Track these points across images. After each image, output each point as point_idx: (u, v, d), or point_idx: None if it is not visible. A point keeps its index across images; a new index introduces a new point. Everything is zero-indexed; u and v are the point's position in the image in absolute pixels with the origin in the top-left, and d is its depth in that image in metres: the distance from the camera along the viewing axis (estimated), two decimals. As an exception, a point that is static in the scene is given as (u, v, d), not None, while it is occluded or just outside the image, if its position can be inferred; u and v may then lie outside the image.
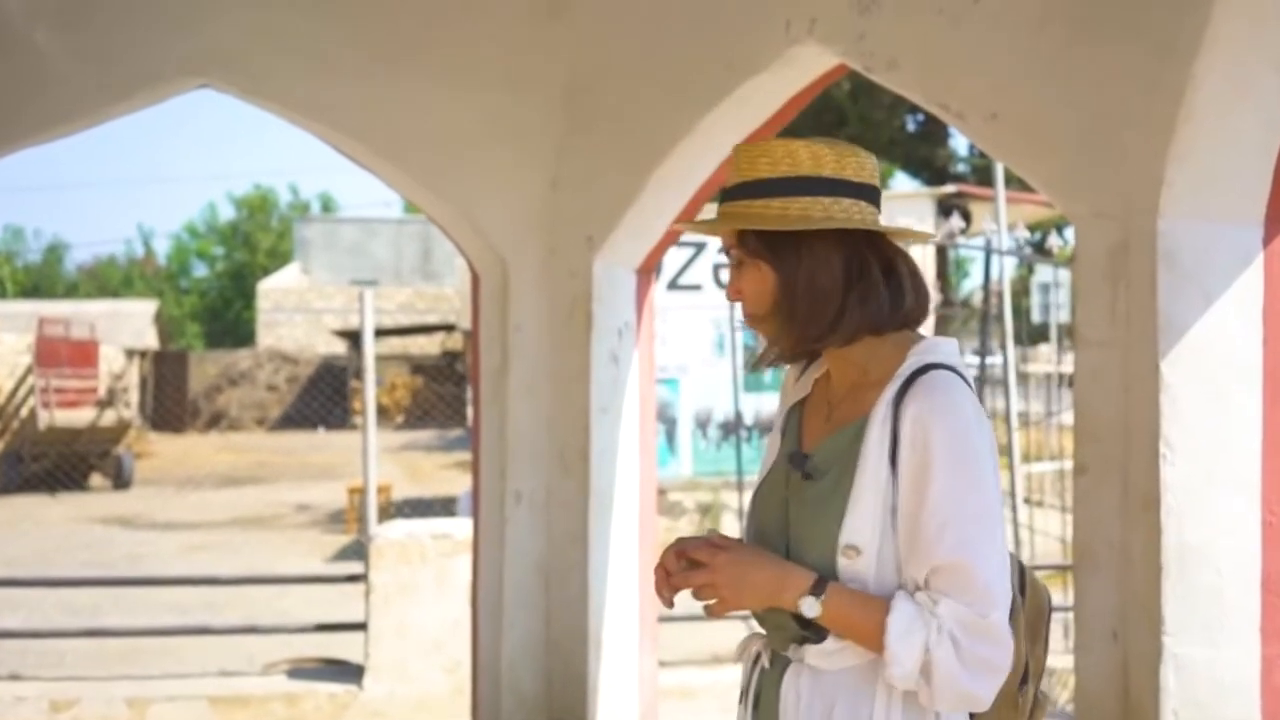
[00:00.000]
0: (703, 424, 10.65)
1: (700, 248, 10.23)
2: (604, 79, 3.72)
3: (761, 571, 1.64)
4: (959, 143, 23.83)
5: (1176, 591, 2.39)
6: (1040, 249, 13.54)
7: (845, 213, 1.65)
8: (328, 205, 57.08)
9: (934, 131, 23.22)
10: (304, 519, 13.82)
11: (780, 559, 1.67)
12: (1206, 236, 2.39)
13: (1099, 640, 2.56)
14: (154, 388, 27.10)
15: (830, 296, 1.65)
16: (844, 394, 1.74)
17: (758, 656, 1.78)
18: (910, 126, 23.53)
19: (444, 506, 11.68)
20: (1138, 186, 2.41)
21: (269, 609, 7.73)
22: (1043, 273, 13.01)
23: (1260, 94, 2.30)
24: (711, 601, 1.66)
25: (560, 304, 3.82)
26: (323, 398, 26.90)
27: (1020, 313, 11.20)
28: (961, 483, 1.57)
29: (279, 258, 47.90)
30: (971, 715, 1.66)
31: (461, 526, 5.46)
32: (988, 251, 9.11)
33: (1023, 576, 1.73)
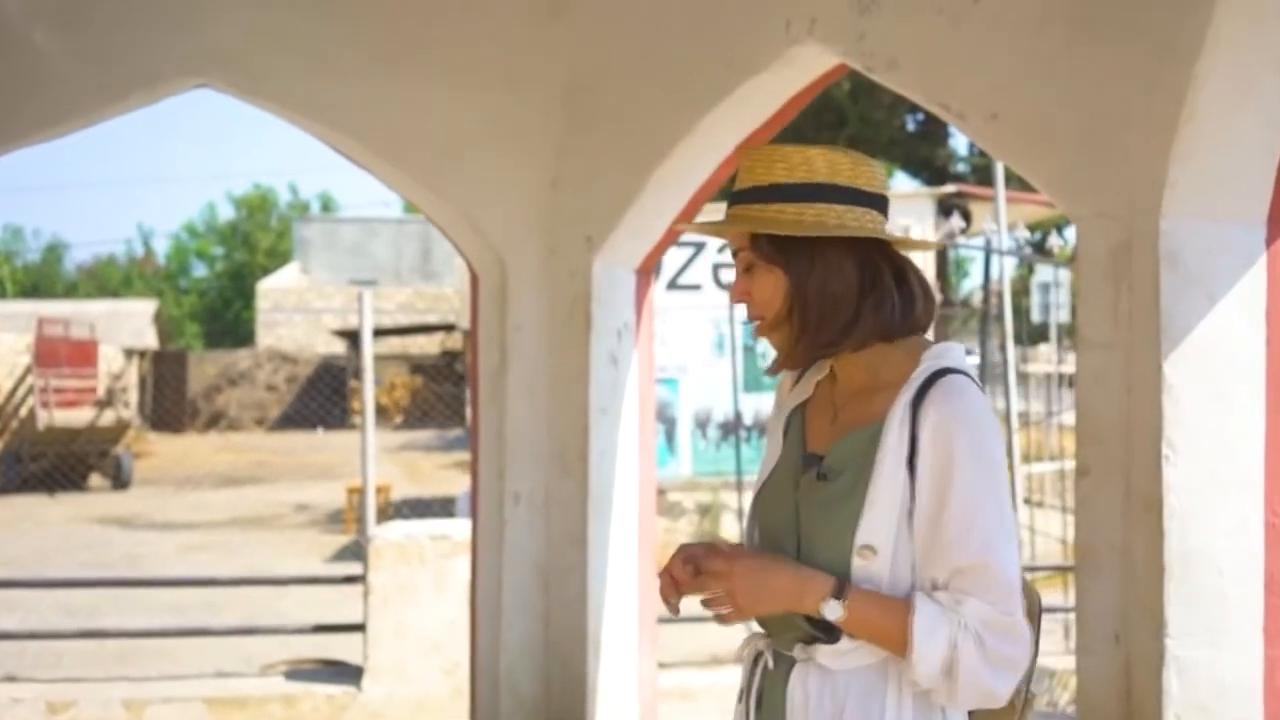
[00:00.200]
0: (702, 424, 10.65)
1: (700, 248, 10.22)
2: (604, 79, 3.71)
3: (780, 577, 1.64)
4: (959, 142, 23.84)
5: (1179, 593, 2.38)
6: (1040, 249, 13.54)
7: (858, 221, 1.68)
8: (327, 205, 57.10)
9: (934, 131, 23.22)
10: (303, 519, 13.82)
11: (797, 564, 1.67)
12: (1209, 237, 2.38)
13: (1101, 642, 2.55)
14: (153, 388, 27.10)
15: (843, 303, 1.68)
16: (850, 396, 1.75)
17: (758, 657, 1.78)
18: (910, 126, 23.53)
19: (443, 507, 11.69)
20: (1140, 187, 2.40)
21: (267, 609, 7.72)
22: (1043, 273, 12.99)
23: (1263, 94, 2.29)
24: (726, 610, 1.66)
25: (559, 304, 3.81)
26: (322, 398, 26.90)
27: (1020, 313, 11.18)
28: (982, 486, 1.60)
29: (278, 257, 47.90)
30: (970, 713, 1.68)
31: (460, 527, 5.45)
32: (988, 251, 9.11)
33: None
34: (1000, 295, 8.98)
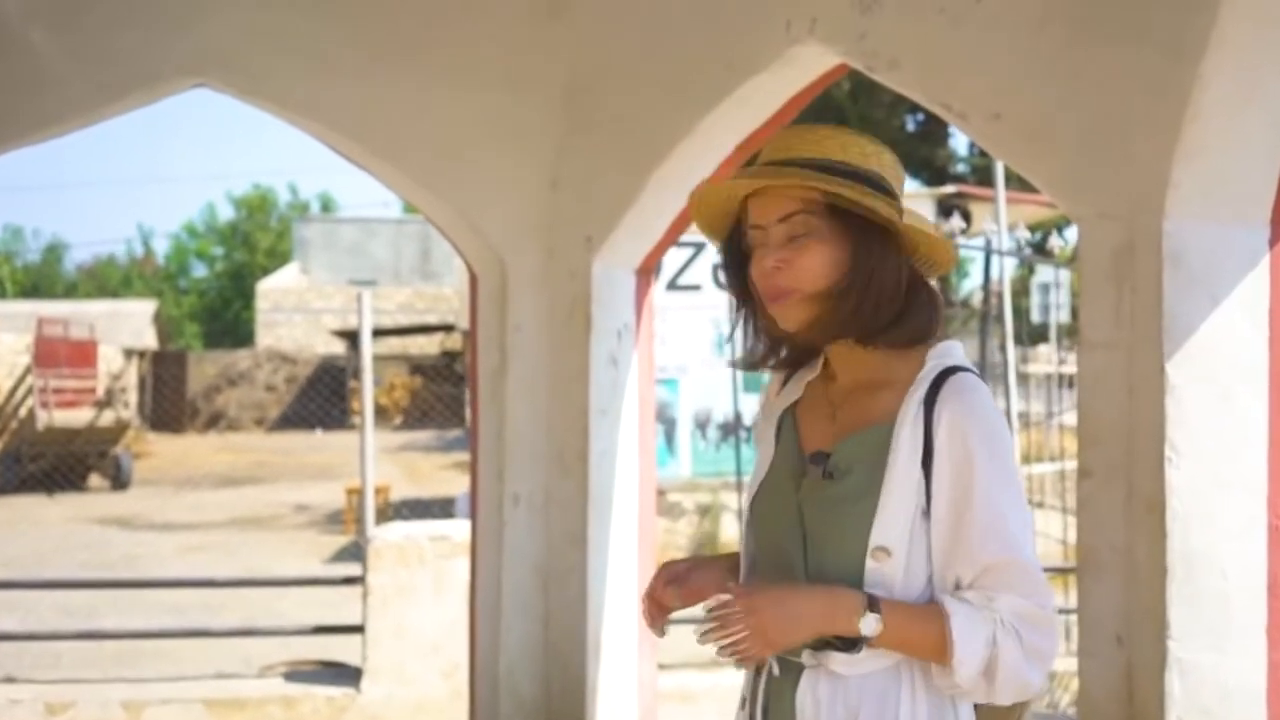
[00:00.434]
0: (702, 424, 10.63)
1: (700, 248, 10.21)
2: (604, 79, 3.70)
3: (807, 601, 1.60)
4: (959, 143, 23.84)
5: (1182, 596, 2.37)
6: (1041, 249, 13.53)
7: (918, 223, 1.69)
8: (327, 205, 57.11)
9: (934, 131, 23.21)
10: (302, 519, 13.81)
11: (818, 584, 1.63)
12: (1213, 238, 2.37)
13: (1103, 645, 2.53)
14: (153, 388, 27.09)
15: (895, 297, 1.66)
16: (849, 394, 1.73)
17: (762, 663, 1.74)
18: (910, 126, 23.52)
19: (442, 508, 11.68)
20: (1143, 187, 2.39)
21: (266, 610, 7.71)
22: (1043, 273, 12.99)
23: (1268, 95, 2.28)
24: (752, 647, 1.59)
25: (559, 305, 3.79)
26: (321, 398, 26.91)
27: (1020, 313, 11.18)
28: (1002, 481, 1.60)
29: (278, 258, 47.91)
30: (976, 708, 1.68)
31: (460, 528, 5.44)
32: (988, 252, 9.10)
33: None
34: (1000, 296, 8.97)
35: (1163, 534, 2.36)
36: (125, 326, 27.94)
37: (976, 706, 1.67)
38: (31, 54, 3.48)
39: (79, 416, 17.66)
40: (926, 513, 1.61)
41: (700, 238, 10.06)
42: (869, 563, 1.60)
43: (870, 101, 21.23)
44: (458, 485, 13.18)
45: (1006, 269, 9.21)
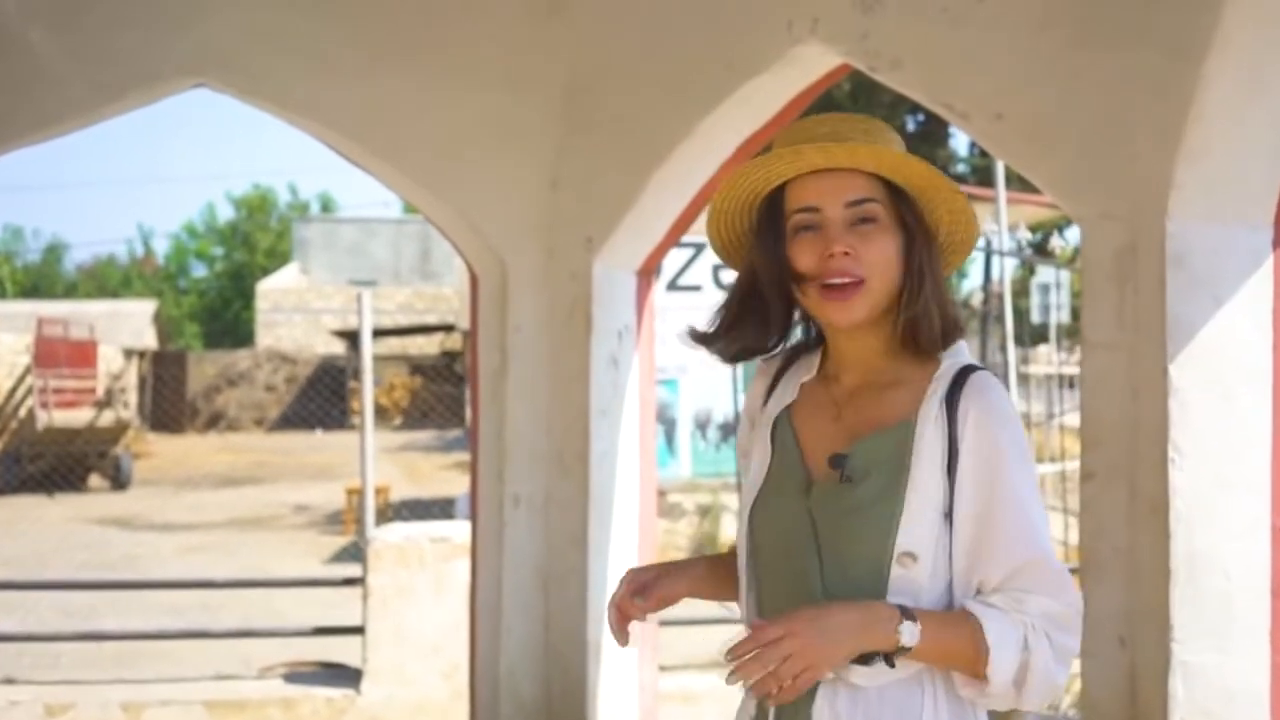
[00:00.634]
0: (702, 425, 10.62)
1: (700, 248, 10.20)
2: (604, 79, 3.69)
3: (844, 617, 1.50)
4: (959, 143, 23.81)
5: (1185, 597, 2.37)
6: (1041, 250, 13.52)
7: None
8: (327, 205, 57.09)
9: (934, 131, 23.19)
10: (302, 520, 13.80)
11: (850, 600, 1.54)
12: (1216, 238, 2.36)
13: (1106, 646, 2.53)
14: (153, 388, 27.07)
15: (943, 297, 1.61)
16: (856, 394, 1.65)
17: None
18: (910, 127, 23.50)
19: (442, 508, 11.67)
20: (1147, 188, 2.39)
21: (266, 610, 7.69)
22: (1043, 273, 12.99)
23: (1271, 95, 2.28)
24: (800, 668, 1.47)
25: (560, 306, 3.79)
26: (321, 398, 26.89)
27: (1019, 313, 11.18)
28: (1027, 482, 1.57)
29: (278, 258, 47.89)
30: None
31: (460, 529, 5.43)
32: (988, 252, 9.09)
33: None
34: (1000, 296, 8.97)
35: (1166, 535, 2.36)
36: (125, 326, 27.92)
37: None
38: (31, 54, 3.47)
39: (79, 417, 17.64)
40: (948, 515, 1.55)
41: (700, 238, 9.99)
42: (894, 569, 1.54)
43: (870, 101, 21.20)
44: (458, 485, 13.17)
45: (1007, 269, 9.20)
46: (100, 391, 19.65)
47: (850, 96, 21.04)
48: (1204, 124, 2.26)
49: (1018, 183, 9.74)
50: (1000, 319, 8.83)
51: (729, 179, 1.66)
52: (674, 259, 10.20)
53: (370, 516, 6.21)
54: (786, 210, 1.62)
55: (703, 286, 10.28)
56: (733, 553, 1.83)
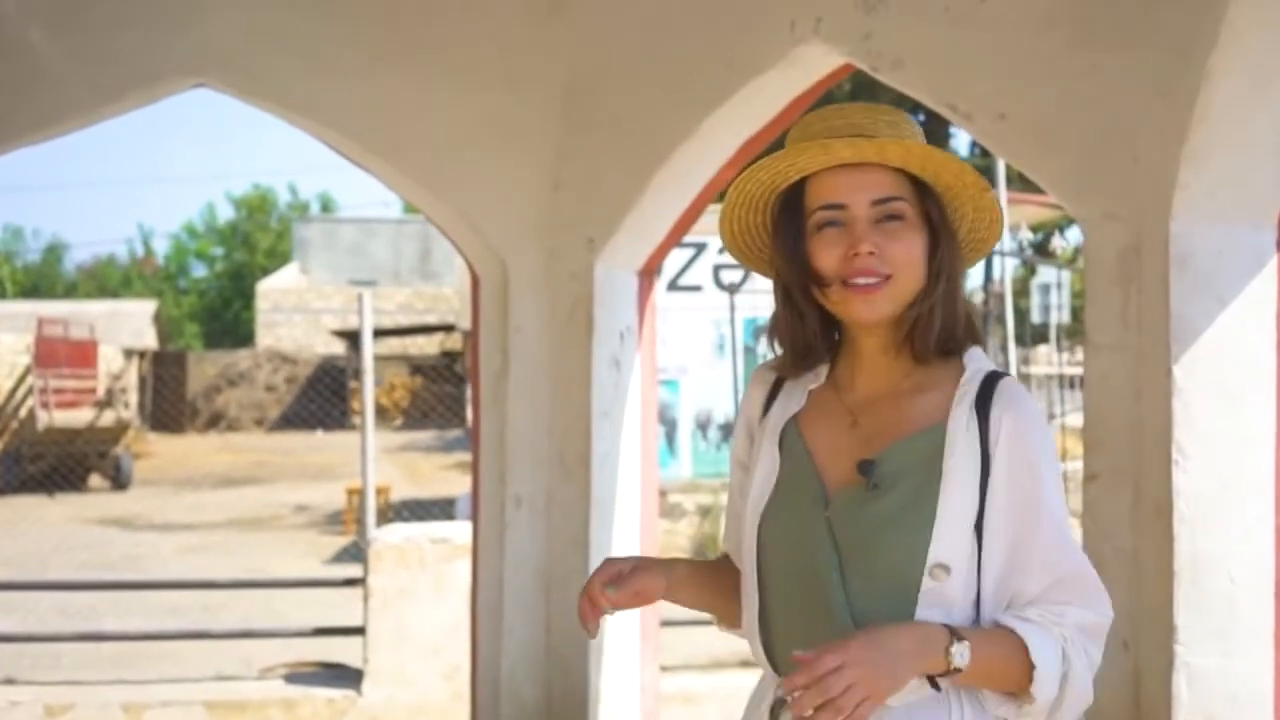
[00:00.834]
0: (703, 425, 10.60)
1: (700, 248, 10.19)
2: (604, 79, 3.68)
3: (896, 640, 1.41)
4: (960, 143, 23.76)
5: (1189, 600, 2.36)
6: (1042, 250, 13.51)
7: None
8: (327, 205, 57.08)
9: (935, 131, 23.13)
10: (302, 520, 13.79)
11: (899, 622, 1.45)
12: (1220, 239, 2.36)
13: (1109, 649, 2.47)
14: (153, 388, 27.06)
15: (963, 300, 1.57)
16: (873, 401, 1.58)
17: (781, 702, 1.55)
18: (910, 127, 23.49)
19: (442, 508, 11.66)
20: (1150, 188, 2.38)
21: (266, 611, 7.69)
22: (1044, 273, 12.98)
23: (1275, 95, 2.27)
24: (860, 696, 1.36)
25: (561, 306, 3.78)
26: (321, 398, 26.88)
27: (1020, 314, 11.17)
28: (1059, 492, 1.52)
29: (278, 258, 47.88)
30: None
31: (460, 530, 5.42)
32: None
33: None
34: (1001, 296, 8.96)
35: (1170, 537, 2.35)
36: (125, 326, 27.91)
37: None
38: (31, 54, 3.47)
39: (79, 417, 17.64)
40: (978, 524, 1.48)
41: (701, 238, 9.95)
42: (926, 582, 1.46)
43: (871, 101, 21.21)
44: (458, 486, 13.16)
45: (1008, 269, 9.19)
46: (100, 391, 19.66)
47: (851, 97, 21.01)
48: (1208, 124, 2.25)
49: (1019, 183, 9.74)
50: (1001, 319, 8.83)
51: (745, 173, 1.59)
52: (675, 259, 10.19)
53: (371, 517, 6.20)
54: (807, 207, 1.56)
55: (703, 286, 10.27)
56: (717, 562, 1.78)
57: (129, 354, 24.70)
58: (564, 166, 3.74)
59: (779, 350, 1.65)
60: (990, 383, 1.52)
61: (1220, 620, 2.37)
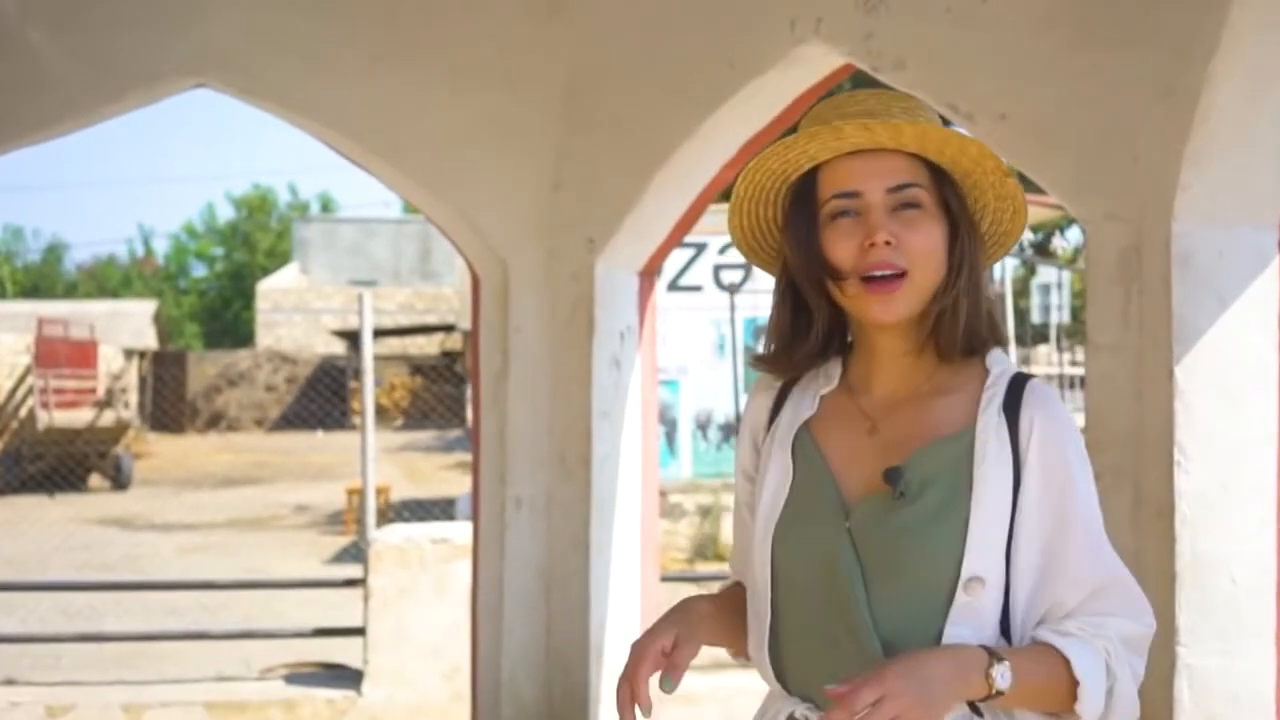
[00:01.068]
0: (703, 425, 10.60)
1: (701, 248, 10.19)
2: (605, 79, 3.67)
3: (938, 667, 1.32)
4: (959, 143, 23.79)
5: (1191, 601, 2.35)
6: (1043, 250, 13.52)
7: None
8: (327, 205, 57.10)
9: (934, 132, 23.17)
10: (302, 520, 13.79)
11: (938, 646, 1.37)
12: (1222, 240, 2.35)
13: (1111, 650, 2.51)
14: (153, 388, 27.07)
15: (986, 297, 1.49)
16: (892, 405, 1.50)
17: None
18: (910, 127, 23.48)
19: (443, 509, 11.67)
20: (1152, 189, 2.37)
21: (266, 611, 7.69)
22: (1044, 273, 12.99)
23: (1277, 96, 2.26)
24: None
25: (561, 307, 3.77)
26: (321, 398, 26.90)
27: (1020, 313, 11.18)
28: (1094, 498, 1.44)
29: (278, 258, 47.91)
30: None
31: (461, 531, 5.42)
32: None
33: None
34: (1001, 296, 8.96)
35: (1171, 539, 2.35)
36: (125, 326, 27.92)
37: None
38: (31, 54, 3.46)
39: (79, 417, 17.65)
40: (1010, 534, 1.40)
41: (701, 238, 9.93)
42: (959, 597, 1.37)
43: (871, 101, 21.20)
44: (458, 486, 13.17)
45: (1008, 269, 9.19)
46: (100, 391, 19.67)
47: (851, 96, 21.02)
48: (1210, 125, 2.25)
49: (1019, 183, 9.73)
50: (1001, 319, 8.85)
51: (754, 161, 1.50)
52: (675, 259, 10.20)
53: (371, 517, 6.20)
54: (820, 196, 1.47)
55: (703, 286, 10.27)
56: (733, 595, 1.65)
57: (129, 354, 24.71)
58: (564, 166, 3.74)
59: (769, 350, 1.57)
60: (1017, 385, 1.45)
61: (1222, 621, 2.36)
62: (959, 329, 1.46)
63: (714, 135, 3.41)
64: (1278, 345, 2.39)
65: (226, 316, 51.52)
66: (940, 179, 1.47)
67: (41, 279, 54.76)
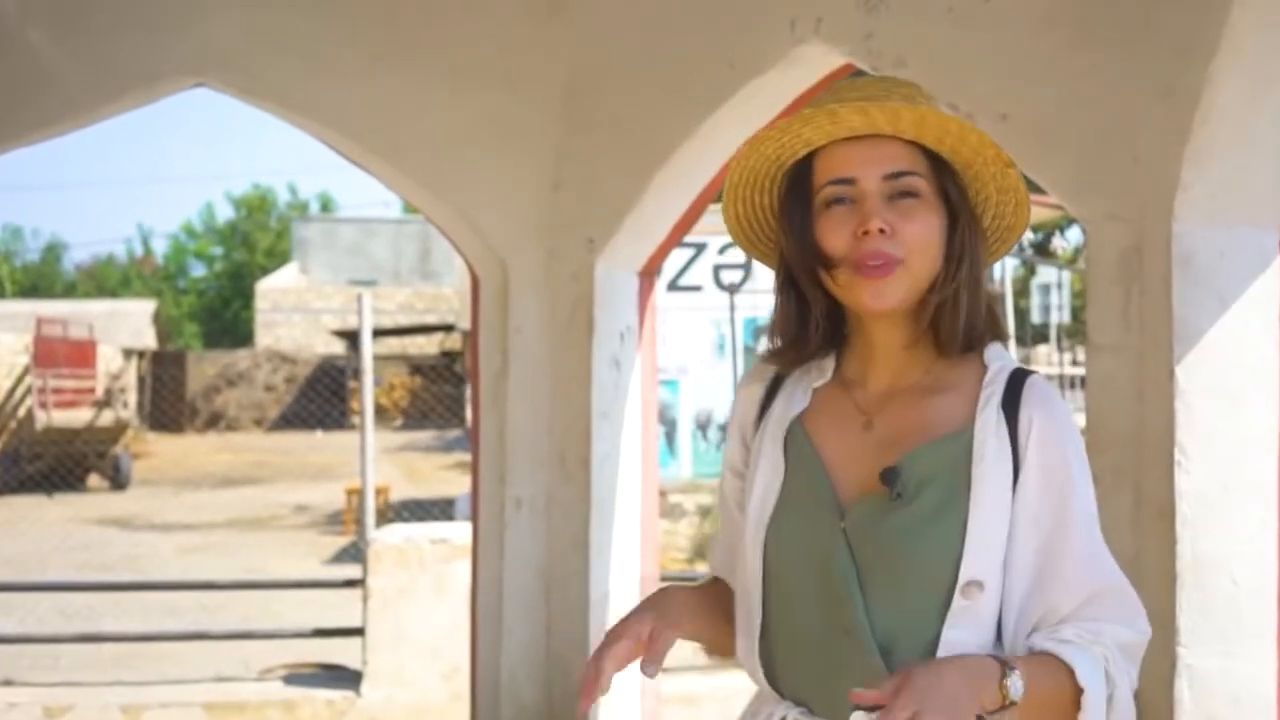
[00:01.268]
0: (703, 425, 10.61)
1: (700, 248, 10.19)
2: (604, 79, 3.67)
3: (955, 679, 1.27)
4: (959, 143, 23.79)
5: (1191, 602, 2.35)
6: (1043, 250, 13.53)
7: None
8: (326, 205, 57.10)
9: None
10: (302, 520, 13.79)
11: (951, 656, 1.33)
12: (1223, 240, 2.35)
13: (1111, 651, 2.51)
14: (152, 388, 27.06)
15: (985, 290, 1.45)
16: (888, 400, 1.46)
17: None
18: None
19: (442, 509, 11.67)
20: (1152, 189, 2.37)
21: (266, 611, 7.69)
22: (1044, 273, 12.99)
23: (1278, 97, 2.26)
24: None
25: (561, 307, 3.77)
26: (321, 398, 26.89)
27: (1020, 313, 11.17)
28: (1092, 500, 1.41)
29: (277, 258, 47.89)
30: None
31: (460, 531, 5.42)
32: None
33: None
34: (1001, 296, 8.97)
35: (1172, 540, 2.34)
36: (124, 326, 27.92)
37: None
38: (30, 54, 3.46)
39: (78, 416, 17.65)
40: (1011, 535, 1.37)
41: (700, 238, 9.94)
42: (957, 601, 1.34)
43: (870, 101, 21.19)
44: (457, 486, 13.16)
45: (1008, 269, 9.19)
46: (99, 391, 19.66)
47: (850, 96, 21.02)
48: (1211, 125, 2.24)
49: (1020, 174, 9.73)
50: (1002, 315, 8.86)
51: (748, 145, 1.46)
52: (675, 259, 10.20)
53: (370, 517, 6.20)
54: (815, 183, 1.43)
55: (703, 286, 10.28)
56: (710, 588, 1.63)
57: (128, 354, 24.70)
58: (564, 166, 3.73)
59: (776, 344, 1.53)
60: (1016, 381, 1.41)
61: (1222, 622, 2.36)
62: (959, 323, 1.42)
63: (714, 135, 3.41)
64: (1279, 344, 2.39)
65: (226, 316, 51.51)
66: (940, 169, 1.44)
67: (40, 279, 54.76)
